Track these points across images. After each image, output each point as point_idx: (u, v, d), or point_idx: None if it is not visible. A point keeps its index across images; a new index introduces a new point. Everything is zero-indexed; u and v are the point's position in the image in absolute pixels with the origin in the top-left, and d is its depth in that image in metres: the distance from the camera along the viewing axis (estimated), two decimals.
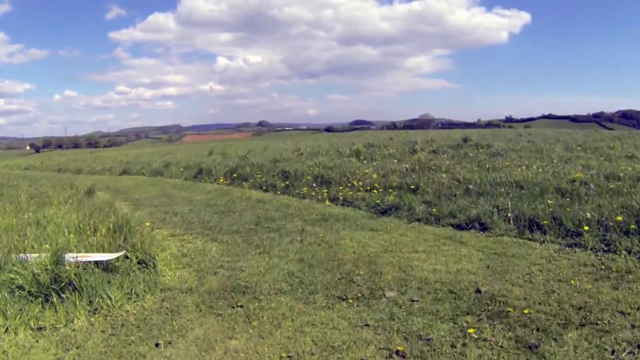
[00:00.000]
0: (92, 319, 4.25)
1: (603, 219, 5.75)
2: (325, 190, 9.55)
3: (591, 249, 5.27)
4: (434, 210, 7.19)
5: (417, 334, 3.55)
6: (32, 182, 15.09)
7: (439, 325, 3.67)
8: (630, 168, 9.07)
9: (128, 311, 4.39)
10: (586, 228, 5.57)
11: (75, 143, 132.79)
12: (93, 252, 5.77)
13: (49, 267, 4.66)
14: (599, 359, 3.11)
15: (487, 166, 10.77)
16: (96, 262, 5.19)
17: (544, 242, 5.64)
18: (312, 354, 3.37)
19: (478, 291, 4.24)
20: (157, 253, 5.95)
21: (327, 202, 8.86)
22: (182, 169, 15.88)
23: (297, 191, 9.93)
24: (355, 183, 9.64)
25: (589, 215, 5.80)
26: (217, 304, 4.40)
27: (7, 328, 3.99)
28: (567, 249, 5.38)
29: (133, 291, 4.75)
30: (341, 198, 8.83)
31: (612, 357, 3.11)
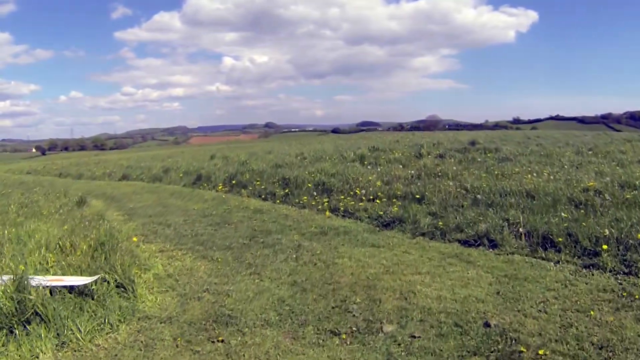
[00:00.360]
0: (60, 354, 3.84)
1: (622, 236, 5.26)
2: (326, 200, 9.10)
3: (610, 271, 4.80)
4: (440, 223, 6.73)
5: None
6: (27, 189, 14.82)
7: None
8: None
9: (99, 345, 3.98)
10: (605, 247, 5.08)
11: (81, 145, 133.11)
12: (70, 273, 5.39)
13: (13, 294, 4.25)
14: None
15: (496, 172, 10.30)
16: (69, 287, 4.79)
17: (558, 262, 5.16)
18: None
19: (487, 325, 3.77)
20: (140, 274, 5.59)
21: (328, 213, 8.41)
22: (181, 175, 15.48)
23: (297, 200, 9.49)
24: (357, 191, 9.18)
25: (607, 232, 5.31)
26: (197, 337, 3.98)
27: None
28: (584, 270, 4.90)
29: (107, 320, 4.35)
30: (342, 209, 8.37)
31: None
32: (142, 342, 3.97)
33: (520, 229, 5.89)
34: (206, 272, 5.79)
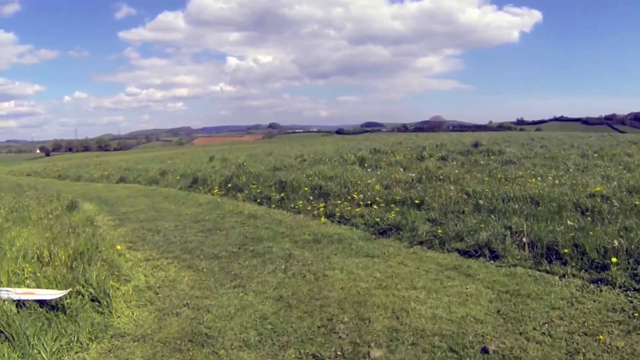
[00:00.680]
0: None
1: (632, 247, 4.90)
2: (323, 204, 8.77)
3: (620, 287, 4.43)
4: (439, 231, 6.37)
5: None
6: (21, 192, 14.54)
7: None
8: None
9: None
10: (614, 260, 4.71)
11: (85, 146, 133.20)
12: (45, 285, 5.07)
13: None
14: None
15: (499, 176, 9.94)
16: (40, 301, 4.48)
17: (564, 275, 4.80)
18: None
19: (485, 350, 3.42)
20: (118, 287, 5.27)
21: (323, 219, 8.07)
22: (178, 177, 15.20)
23: (292, 205, 9.16)
24: (355, 196, 8.84)
25: (616, 243, 4.94)
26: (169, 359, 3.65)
27: None
28: (592, 285, 4.53)
29: (77, 338, 4.03)
30: (338, 214, 8.04)
31: None
32: None
33: (524, 239, 5.53)
34: (189, 284, 5.48)
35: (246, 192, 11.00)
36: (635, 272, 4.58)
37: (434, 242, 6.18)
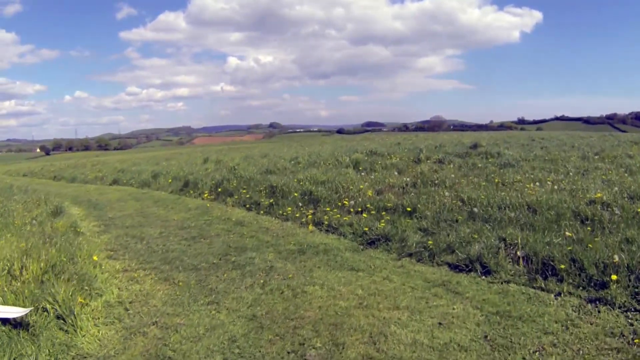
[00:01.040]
0: None
1: (634, 262, 4.55)
2: (312, 211, 8.45)
3: (620, 307, 4.10)
4: (430, 242, 6.03)
5: None
6: (10, 195, 14.23)
7: None
8: None
9: None
10: (614, 277, 4.37)
11: (85, 145, 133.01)
12: (12, 301, 4.77)
13: None
14: None
15: (497, 180, 9.60)
16: (2, 319, 4.18)
17: (560, 293, 4.46)
18: None
19: None
20: (88, 302, 4.97)
21: (311, 227, 7.74)
22: (170, 180, 14.89)
23: (281, 211, 8.83)
24: (346, 202, 8.51)
25: (616, 259, 4.60)
26: None
27: None
28: (589, 306, 4.20)
29: (35, 359, 3.73)
30: (326, 222, 7.70)
31: None
32: None
33: (518, 252, 5.18)
34: (162, 299, 5.17)
35: (236, 197, 10.69)
36: (636, 290, 4.25)
37: (423, 255, 5.84)
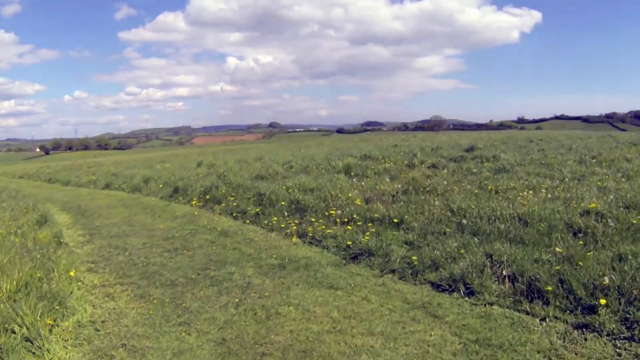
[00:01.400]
0: None
1: (625, 284, 4.31)
2: (297, 221, 8.23)
3: (608, 335, 3.85)
4: (414, 257, 5.79)
5: None
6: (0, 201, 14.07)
7: None
8: None
9: None
10: (603, 301, 4.13)
11: (85, 145, 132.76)
12: None
13: None
14: None
15: (490, 187, 9.38)
16: None
17: (545, 318, 4.22)
18: None
19: None
20: (59, 322, 4.78)
21: (294, 239, 7.52)
22: (161, 185, 14.68)
23: (266, 221, 8.61)
24: (333, 212, 8.28)
25: (606, 281, 4.36)
26: None
27: None
28: (576, 332, 3.96)
29: None
30: (310, 234, 7.48)
31: None
32: None
33: (504, 271, 4.95)
34: (134, 319, 4.96)
35: (224, 204, 10.47)
36: (626, 315, 4.00)
37: (406, 272, 5.60)
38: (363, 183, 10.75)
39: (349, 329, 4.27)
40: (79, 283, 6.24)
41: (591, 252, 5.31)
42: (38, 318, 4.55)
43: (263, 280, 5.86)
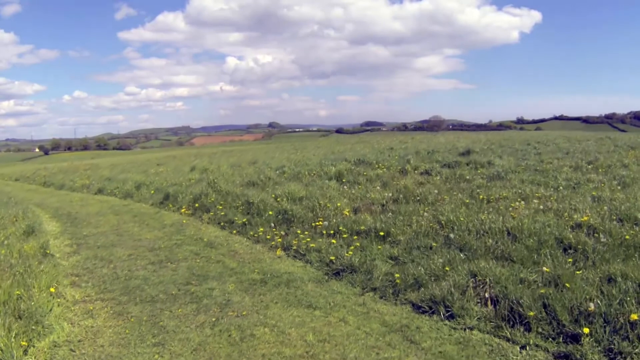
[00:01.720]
0: None
1: (612, 311, 4.15)
2: (283, 233, 8.10)
3: None
4: (397, 275, 5.64)
5: None
6: None
7: None
8: None
9: None
10: (586, 330, 3.97)
11: (84, 145, 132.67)
12: None
13: None
14: None
15: (482, 197, 9.23)
16: None
17: (525, 346, 4.05)
18: None
19: None
20: (35, 342, 4.66)
21: (279, 252, 7.38)
22: (152, 192, 14.55)
23: (252, 232, 8.47)
24: (320, 223, 8.15)
25: (592, 307, 4.20)
26: None
27: None
28: None
29: None
30: (295, 247, 7.34)
31: None
32: None
33: (487, 294, 4.80)
34: (110, 338, 4.84)
35: (212, 213, 10.33)
36: (611, 346, 3.84)
37: (387, 291, 5.45)
38: (353, 191, 10.61)
39: (322, 354, 4.12)
40: (59, 299, 6.12)
41: (580, 271, 5.18)
42: (12, 339, 4.45)
43: (243, 297, 5.73)
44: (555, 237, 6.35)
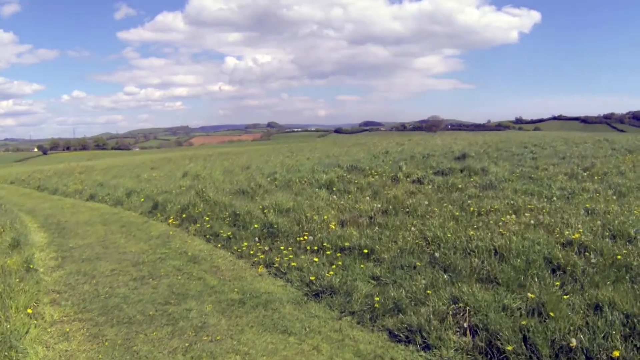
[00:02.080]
0: None
1: (594, 347, 3.96)
2: (267, 248, 7.94)
3: None
4: (377, 298, 5.47)
5: None
6: None
7: None
8: None
9: None
10: None
11: (83, 145, 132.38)
12: None
13: None
14: None
15: (472, 209, 9.07)
16: None
17: None
18: None
19: None
20: None
21: (261, 269, 7.22)
22: (142, 199, 14.38)
23: (236, 246, 8.31)
24: (305, 237, 7.99)
25: (574, 342, 4.02)
26: None
27: None
28: None
29: None
30: (276, 265, 7.17)
31: None
32: None
33: (466, 323, 4.63)
34: None
35: (198, 224, 10.16)
36: None
37: (365, 316, 5.27)
38: (342, 201, 10.45)
39: None
40: (37, 320, 5.98)
41: (568, 296, 5.02)
42: None
43: (219, 319, 5.58)
44: (544, 256, 6.16)
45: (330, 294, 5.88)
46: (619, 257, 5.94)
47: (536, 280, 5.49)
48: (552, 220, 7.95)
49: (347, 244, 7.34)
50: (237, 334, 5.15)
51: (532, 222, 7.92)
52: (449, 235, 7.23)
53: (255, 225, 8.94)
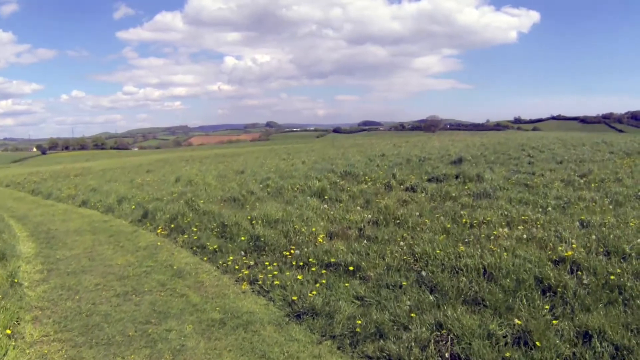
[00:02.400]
0: None
1: None
2: (252, 262, 7.78)
3: None
4: (359, 322, 5.30)
5: None
6: None
7: None
8: None
9: None
10: None
11: (82, 145, 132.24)
12: None
13: None
14: None
15: (465, 220, 8.90)
16: None
17: None
18: None
19: None
20: None
21: (244, 286, 7.05)
22: (133, 207, 14.20)
23: (222, 261, 8.13)
24: (292, 251, 7.83)
25: None
26: None
27: None
28: None
29: None
30: (260, 282, 7.00)
31: None
32: None
33: (447, 353, 4.46)
34: None
35: (186, 235, 10.00)
36: None
37: (346, 341, 5.09)
38: (333, 211, 10.28)
39: None
40: (15, 342, 5.83)
41: (557, 321, 4.86)
42: None
43: (198, 342, 5.42)
44: (535, 276, 5.97)
45: (312, 316, 5.70)
46: (612, 277, 5.77)
47: (525, 302, 5.34)
48: (546, 234, 7.78)
49: (333, 259, 7.17)
50: (214, 358, 5.00)
51: (525, 236, 7.75)
52: (437, 251, 7.05)
53: (243, 238, 8.78)
